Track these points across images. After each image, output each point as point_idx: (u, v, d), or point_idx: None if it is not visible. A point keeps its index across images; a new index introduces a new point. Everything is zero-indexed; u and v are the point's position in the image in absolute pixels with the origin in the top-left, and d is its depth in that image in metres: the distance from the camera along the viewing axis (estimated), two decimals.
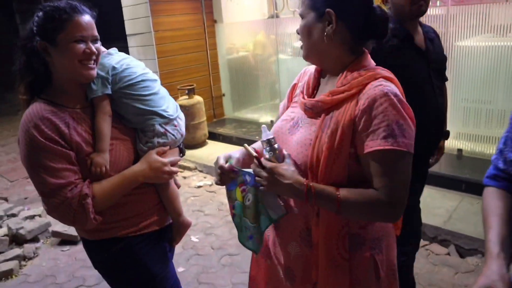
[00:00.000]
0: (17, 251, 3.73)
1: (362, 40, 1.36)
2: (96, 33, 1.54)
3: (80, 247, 3.51)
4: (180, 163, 1.84)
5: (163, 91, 1.78)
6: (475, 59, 4.19)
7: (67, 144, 1.48)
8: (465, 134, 4.56)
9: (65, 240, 3.96)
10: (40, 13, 1.49)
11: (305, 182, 1.27)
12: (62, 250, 3.85)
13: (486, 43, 4.07)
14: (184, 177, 5.35)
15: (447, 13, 4.26)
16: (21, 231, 3.91)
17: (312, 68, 1.52)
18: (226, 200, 4.63)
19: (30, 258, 3.75)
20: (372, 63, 1.36)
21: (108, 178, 1.55)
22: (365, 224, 1.38)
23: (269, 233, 1.55)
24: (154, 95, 1.69)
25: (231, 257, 3.54)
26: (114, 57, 1.67)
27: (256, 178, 1.36)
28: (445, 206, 3.76)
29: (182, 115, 1.85)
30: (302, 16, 1.37)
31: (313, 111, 1.36)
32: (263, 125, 1.36)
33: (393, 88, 1.25)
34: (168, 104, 1.75)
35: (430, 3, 2.13)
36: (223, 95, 7.18)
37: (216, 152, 5.92)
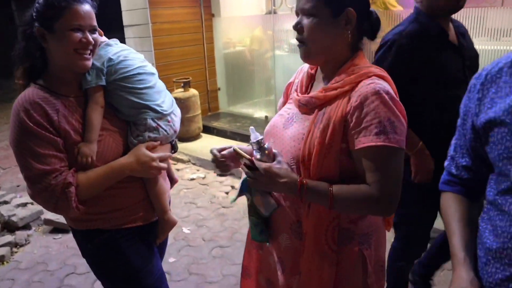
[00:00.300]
0: (8, 238, 3.75)
1: (360, 40, 1.41)
2: (94, 23, 1.53)
3: (71, 235, 3.57)
4: (174, 155, 1.82)
5: (160, 85, 1.76)
6: None
7: (55, 130, 1.48)
8: None
9: (57, 228, 3.98)
10: (41, 0, 1.49)
11: (298, 179, 1.31)
12: (54, 238, 3.87)
13: (481, 46, 4.10)
14: (178, 170, 5.37)
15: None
16: (13, 218, 3.93)
17: (306, 65, 1.55)
18: (218, 193, 4.62)
19: (21, 245, 3.77)
20: (366, 61, 1.39)
21: (95, 168, 1.54)
22: (356, 219, 1.41)
23: None
24: (149, 89, 1.68)
25: (222, 249, 3.57)
26: (112, 49, 1.65)
27: (249, 179, 1.38)
28: None
29: (178, 111, 1.83)
30: (310, 12, 1.31)
31: (307, 107, 1.39)
32: (251, 127, 1.39)
33: (385, 86, 1.28)
34: (163, 99, 1.73)
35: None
36: (219, 89, 7.19)
37: (210, 145, 5.81)
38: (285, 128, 1.44)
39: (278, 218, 1.49)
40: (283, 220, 1.47)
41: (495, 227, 1.03)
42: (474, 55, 2.16)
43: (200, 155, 5.60)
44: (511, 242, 0.99)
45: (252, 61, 6.69)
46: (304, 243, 1.40)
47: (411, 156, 2.08)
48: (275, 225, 1.51)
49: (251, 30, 6.58)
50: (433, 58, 1.98)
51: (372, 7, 1.38)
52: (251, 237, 1.57)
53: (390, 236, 1.92)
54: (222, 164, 1.58)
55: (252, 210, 1.50)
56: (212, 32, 6.85)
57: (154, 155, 1.63)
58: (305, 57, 1.39)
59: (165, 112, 1.71)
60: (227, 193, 4.67)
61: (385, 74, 1.35)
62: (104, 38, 1.69)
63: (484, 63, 4.24)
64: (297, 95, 1.45)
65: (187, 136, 6.07)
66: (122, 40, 6.36)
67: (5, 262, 3.53)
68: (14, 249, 3.71)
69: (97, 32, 1.56)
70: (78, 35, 1.47)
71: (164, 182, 1.81)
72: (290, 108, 1.49)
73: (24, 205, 4.24)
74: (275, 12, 6.09)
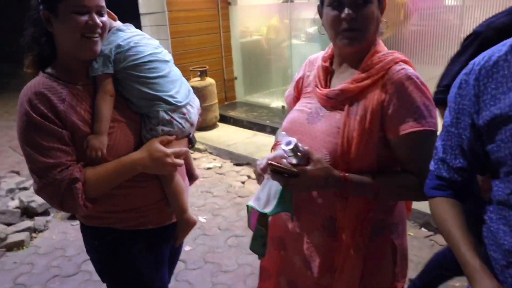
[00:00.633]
0: (28, 223, 3.82)
1: None
2: (101, 3, 1.41)
3: None
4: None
5: (175, 74, 1.63)
6: None
7: (61, 122, 1.38)
8: None
9: (74, 215, 4.03)
10: None
11: (341, 175, 1.29)
12: (71, 224, 3.93)
13: None
14: (194, 159, 5.39)
15: (463, 4, 4.21)
16: (32, 204, 3.99)
17: (315, 57, 1.55)
18: (234, 183, 4.62)
19: (40, 231, 3.84)
20: (384, 47, 1.39)
21: (104, 163, 1.44)
22: (388, 209, 1.43)
23: (285, 225, 1.53)
24: (162, 78, 1.55)
25: (237, 238, 3.59)
26: (123, 34, 1.53)
27: (287, 186, 1.31)
28: None
29: (196, 102, 1.71)
30: (367, 0, 1.28)
31: (336, 100, 1.37)
32: (283, 132, 1.34)
33: (414, 70, 1.30)
34: (178, 89, 1.60)
35: None
36: (235, 78, 7.18)
37: (227, 134, 5.99)
38: (311, 123, 1.41)
39: (309, 216, 1.45)
40: (314, 217, 1.43)
41: None
42: None
43: (217, 144, 5.61)
44: None
45: (269, 50, 6.66)
46: (338, 238, 1.38)
47: None
48: (305, 224, 1.47)
49: (268, 19, 6.54)
50: None
51: None
52: (249, 247, 1.45)
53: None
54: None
55: (264, 220, 1.39)
56: (229, 20, 6.83)
57: (168, 150, 1.51)
58: (356, 42, 1.32)
59: (179, 104, 1.57)
60: (243, 182, 4.67)
61: (407, 58, 1.36)
62: (118, 23, 1.58)
63: None
64: (320, 89, 1.42)
65: (204, 125, 6.08)
66: (139, 28, 6.42)
67: (24, 247, 3.60)
68: (33, 235, 3.78)
69: (105, 15, 1.45)
70: (84, 18, 1.36)
71: (183, 179, 1.70)
72: (310, 103, 1.46)
73: None
74: (292, 1, 6.04)
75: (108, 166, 1.44)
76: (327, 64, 1.46)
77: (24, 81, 1.44)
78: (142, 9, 6.27)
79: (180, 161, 1.57)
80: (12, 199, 4.17)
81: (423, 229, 3.52)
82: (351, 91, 1.33)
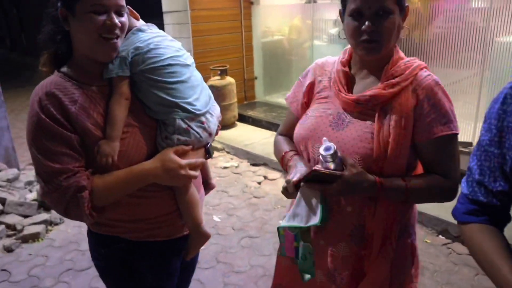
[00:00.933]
0: (44, 216, 3.87)
1: None
2: (121, 2, 1.36)
3: None
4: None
5: (195, 79, 1.54)
6: None
7: (71, 125, 1.32)
8: None
9: None
10: None
11: (376, 180, 1.31)
12: None
13: None
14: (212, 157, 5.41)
15: (490, 5, 4.12)
16: None
17: (323, 62, 1.55)
18: (250, 183, 4.63)
19: (56, 224, 3.90)
20: (402, 53, 1.42)
21: (115, 171, 1.38)
22: (411, 211, 1.48)
23: None
24: (181, 84, 1.47)
25: (251, 239, 3.56)
26: (143, 35, 1.46)
27: (324, 192, 1.32)
28: None
29: (216, 109, 1.63)
30: (386, 10, 1.29)
31: (365, 106, 1.37)
32: (324, 138, 1.31)
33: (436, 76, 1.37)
34: (197, 96, 1.51)
35: None
36: (256, 78, 7.17)
37: (245, 134, 5.99)
38: (337, 129, 1.40)
39: (336, 226, 1.43)
40: (342, 227, 1.41)
41: None
42: None
43: (235, 143, 5.61)
44: None
45: (290, 51, 6.62)
46: (368, 246, 1.39)
47: None
48: (330, 235, 1.45)
49: (290, 19, 6.51)
50: None
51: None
52: (299, 268, 1.41)
53: None
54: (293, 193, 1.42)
55: (308, 236, 1.35)
56: (251, 20, 6.83)
57: (183, 161, 1.43)
58: (375, 53, 1.34)
59: (198, 112, 1.49)
60: (259, 183, 4.66)
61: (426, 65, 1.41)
62: (140, 23, 1.52)
63: None
64: (345, 94, 1.40)
65: (222, 124, 6.04)
66: (161, 27, 6.47)
67: (40, 239, 3.65)
68: (49, 227, 3.83)
69: (126, 14, 1.39)
70: (102, 18, 1.31)
71: (198, 189, 1.62)
72: (330, 108, 1.45)
73: None
74: (315, 1, 6.00)
75: (118, 174, 1.37)
76: (346, 68, 1.46)
77: (42, 77, 1.42)
78: (165, 7, 6.33)
79: (195, 172, 1.49)
80: (30, 191, 4.23)
81: (440, 236, 3.47)
82: (384, 97, 1.34)
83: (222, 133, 5.97)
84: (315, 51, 6.08)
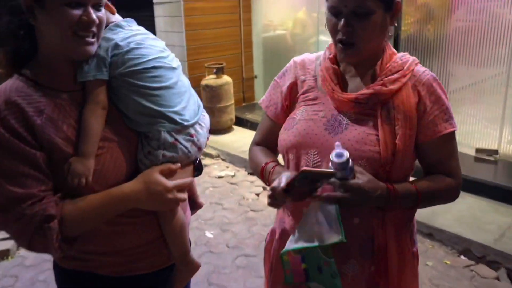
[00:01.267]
0: None
1: None
2: None
3: None
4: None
5: (183, 85, 1.45)
6: None
7: (36, 140, 1.21)
8: None
9: None
10: None
11: (388, 187, 1.32)
12: None
13: None
14: (205, 165, 5.33)
15: None
16: None
17: (303, 59, 1.56)
18: (247, 194, 4.56)
19: None
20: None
21: (90, 194, 1.27)
22: (414, 217, 1.52)
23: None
24: (167, 90, 1.38)
25: (247, 258, 3.51)
26: (122, 32, 1.37)
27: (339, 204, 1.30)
28: (497, 222, 3.62)
29: (206, 119, 1.53)
30: (366, 10, 1.28)
31: (366, 105, 1.38)
32: (337, 143, 1.28)
33: None
34: (185, 104, 1.43)
35: None
36: (255, 77, 7.14)
37: (242, 139, 5.92)
38: (334, 133, 1.39)
39: (342, 244, 1.37)
40: (349, 242, 1.33)
41: None
42: None
43: (231, 150, 5.55)
44: None
45: (294, 47, 6.58)
46: (380, 259, 1.40)
47: None
48: (337, 254, 1.37)
49: (294, 12, 6.50)
50: None
51: None
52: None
53: None
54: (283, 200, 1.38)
55: (331, 248, 1.30)
56: (251, 13, 6.81)
57: (170, 183, 1.34)
58: (353, 57, 1.38)
59: (186, 123, 1.40)
60: (257, 194, 4.60)
61: None
62: (116, 17, 1.42)
63: None
64: (340, 93, 1.40)
65: (217, 128, 6.03)
66: (151, 19, 6.48)
67: (9, 257, 3.56)
68: None
69: (103, 9, 1.30)
70: (77, 12, 1.21)
71: (184, 211, 1.52)
72: (322, 110, 1.44)
73: None
74: None
75: (93, 199, 1.27)
76: (336, 66, 1.46)
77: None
78: None
79: (184, 195, 1.40)
80: None
81: (462, 257, 3.40)
82: (385, 94, 1.36)
83: (217, 138, 5.95)
84: (320, 47, 6.04)
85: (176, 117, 1.37)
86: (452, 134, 1.38)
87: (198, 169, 1.52)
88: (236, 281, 3.23)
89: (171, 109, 1.37)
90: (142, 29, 1.44)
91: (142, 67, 1.34)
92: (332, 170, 1.26)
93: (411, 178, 1.45)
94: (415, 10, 4.88)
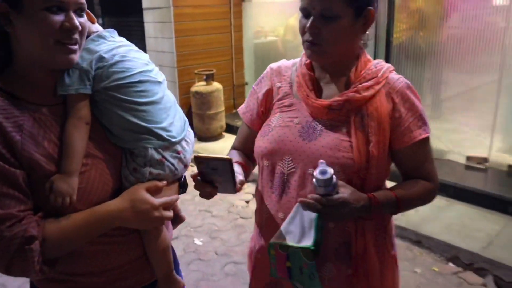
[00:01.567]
0: None
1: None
2: (82, 0, 1.20)
3: None
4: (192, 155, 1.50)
5: (168, 100, 1.42)
6: None
7: (15, 158, 1.14)
8: None
9: None
10: None
11: (368, 196, 1.37)
12: None
13: None
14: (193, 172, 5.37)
15: (510, 4, 4.15)
16: None
17: (279, 66, 1.59)
18: (237, 202, 4.60)
19: None
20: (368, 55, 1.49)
21: (72, 213, 1.21)
22: (392, 221, 1.56)
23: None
24: (153, 105, 1.34)
25: (236, 265, 3.55)
26: (105, 43, 1.32)
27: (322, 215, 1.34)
28: (486, 230, 3.69)
29: (191, 136, 1.50)
30: (332, 14, 1.32)
31: (340, 112, 1.40)
32: (321, 160, 1.31)
33: None
34: (172, 120, 1.39)
35: None
36: (246, 83, 7.17)
37: None
38: (308, 140, 1.42)
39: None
40: (325, 247, 1.41)
41: None
42: None
43: None
44: None
45: (285, 54, 6.63)
46: (359, 264, 1.44)
47: None
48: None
49: (286, 18, 6.54)
50: None
51: None
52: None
53: None
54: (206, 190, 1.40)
55: (312, 252, 1.34)
56: (242, 19, 6.84)
57: (157, 201, 1.30)
58: (318, 57, 1.41)
59: (173, 140, 1.37)
60: (247, 202, 4.65)
61: None
62: (97, 27, 1.37)
63: None
64: (315, 100, 1.43)
65: (207, 135, 6.09)
66: (141, 25, 6.51)
67: None
68: None
69: (85, 15, 1.24)
70: (59, 18, 1.15)
71: (166, 227, 1.48)
72: (297, 117, 1.47)
73: None
74: None
75: (76, 218, 1.21)
76: (311, 72, 1.49)
77: None
78: (145, 3, 6.36)
79: (170, 213, 1.36)
80: None
81: (450, 264, 3.46)
82: (359, 101, 1.38)
83: (208, 145, 5.98)
84: None
85: (164, 134, 1.34)
86: (427, 139, 1.41)
87: (183, 186, 1.49)
88: None
89: (158, 125, 1.34)
90: (124, 40, 1.41)
91: (128, 81, 1.30)
92: (224, 156, 1.28)
93: (388, 182, 1.50)
94: (407, 17, 4.94)
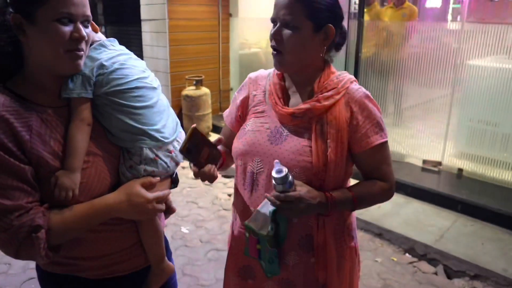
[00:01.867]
0: None
1: (330, 51, 1.48)
2: (88, 12, 1.19)
3: None
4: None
5: (162, 104, 1.41)
6: (485, 79, 4.14)
7: (25, 155, 1.14)
8: (467, 154, 4.53)
9: None
10: None
11: (326, 194, 1.36)
12: None
13: (499, 64, 4.00)
14: (183, 167, 5.32)
15: (461, 29, 4.20)
16: None
17: (256, 75, 1.58)
18: (220, 195, 4.57)
19: None
20: (334, 69, 1.48)
21: (75, 205, 1.22)
22: (353, 215, 1.56)
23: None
24: (149, 109, 1.34)
25: (218, 252, 3.52)
26: (106, 51, 1.31)
27: (281, 211, 1.35)
28: (438, 225, 3.72)
29: (183, 136, 1.48)
30: (292, 24, 1.32)
31: (302, 119, 1.40)
32: (276, 160, 1.32)
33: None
34: (165, 122, 1.39)
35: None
36: (231, 89, 7.15)
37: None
38: (275, 144, 1.42)
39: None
40: (289, 238, 1.44)
41: None
42: None
43: None
44: None
45: (267, 64, 6.57)
46: (319, 254, 1.43)
47: None
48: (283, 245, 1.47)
49: (268, 32, 6.43)
50: None
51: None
52: (266, 273, 1.45)
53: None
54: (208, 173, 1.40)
55: (274, 241, 1.38)
56: (229, 31, 6.82)
57: (151, 195, 1.31)
58: (280, 66, 1.41)
59: (166, 140, 1.37)
60: (229, 195, 4.61)
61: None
62: (100, 36, 1.36)
63: (501, 82, 4.15)
64: (282, 107, 1.43)
65: None
66: (139, 34, 6.45)
67: None
68: None
69: (90, 26, 1.24)
70: (68, 29, 1.15)
71: (159, 217, 1.48)
72: (267, 122, 1.47)
73: None
74: None
75: (77, 209, 1.22)
76: (282, 82, 1.49)
77: None
78: (143, 15, 6.29)
79: (162, 206, 1.37)
80: None
81: (407, 254, 3.47)
82: (319, 110, 1.38)
83: None
84: None
85: (157, 135, 1.34)
86: (384, 143, 1.40)
87: (174, 182, 1.48)
88: (208, 272, 3.24)
89: (152, 127, 1.34)
90: (125, 49, 1.39)
91: (126, 87, 1.29)
92: (212, 141, 1.34)
93: (353, 181, 1.50)
94: (375, 35, 4.98)
